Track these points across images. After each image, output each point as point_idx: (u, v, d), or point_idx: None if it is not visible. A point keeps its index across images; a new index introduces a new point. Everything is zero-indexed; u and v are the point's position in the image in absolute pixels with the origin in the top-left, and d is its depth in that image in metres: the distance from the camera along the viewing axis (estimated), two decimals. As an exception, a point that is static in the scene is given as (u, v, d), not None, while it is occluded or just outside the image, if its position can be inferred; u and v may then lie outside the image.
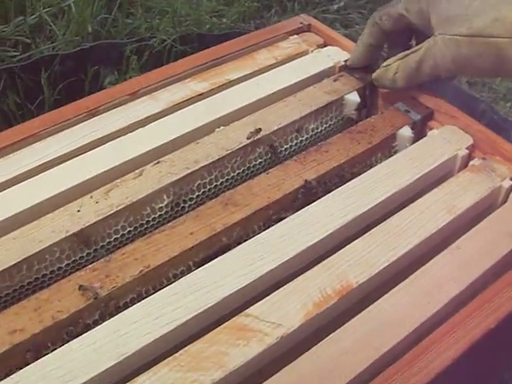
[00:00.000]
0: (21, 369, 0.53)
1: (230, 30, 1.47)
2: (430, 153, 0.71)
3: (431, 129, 0.75)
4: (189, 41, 1.36)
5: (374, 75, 0.78)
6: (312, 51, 0.84)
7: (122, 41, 1.42)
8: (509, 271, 0.61)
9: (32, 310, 0.57)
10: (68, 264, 0.64)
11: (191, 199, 0.70)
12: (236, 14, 1.56)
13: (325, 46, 0.85)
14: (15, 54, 1.39)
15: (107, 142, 0.72)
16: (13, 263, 0.61)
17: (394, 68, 0.75)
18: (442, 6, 0.70)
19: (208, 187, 0.71)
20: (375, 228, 0.64)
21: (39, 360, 0.54)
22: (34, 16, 1.42)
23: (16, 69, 1.28)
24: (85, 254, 0.65)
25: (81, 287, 0.58)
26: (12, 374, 0.53)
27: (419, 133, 0.75)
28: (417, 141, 0.74)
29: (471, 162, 0.71)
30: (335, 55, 0.83)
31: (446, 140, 0.72)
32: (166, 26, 1.48)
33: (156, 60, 1.34)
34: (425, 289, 0.59)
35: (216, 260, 0.61)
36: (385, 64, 0.76)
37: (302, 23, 0.87)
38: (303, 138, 0.76)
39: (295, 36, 0.86)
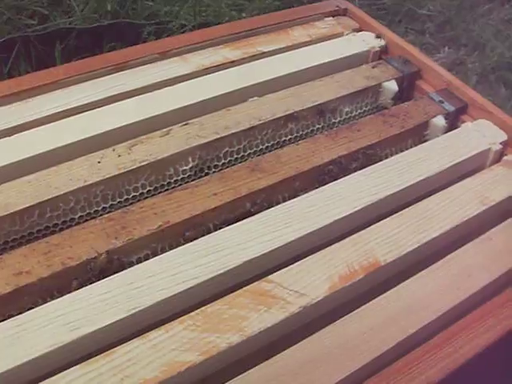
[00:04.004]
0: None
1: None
2: (463, 143, 0.68)
3: (464, 122, 0.73)
4: (208, 29, 1.34)
5: None
6: (347, 34, 0.82)
7: (141, 22, 1.40)
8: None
9: (41, 253, 0.54)
10: (81, 216, 0.61)
11: (216, 166, 0.67)
12: (256, 10, 1.54)
13: (360, 31, 0.83)
14: (32, 23, 1.37)
15: (132, 96, 0.69)
16: (24, 207, 0.57)
17: None
18: None
19: (235, 156, 0.67)
20: (405, 209, 0.61)
21: (45, 305, 0.50)
22: (53, -11, 1.40)
23: (31, 38, 1.26)
24: (100, 209, 0.62)
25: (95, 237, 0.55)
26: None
27: (451, 125, 0.73)
28: (448, 132, 0.71)
29: (505, 158, 0.69)
30: (370, 40, 0.81)
31: (480, 133, 0.70)
32: (186, 13, 1.46)
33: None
34: (454, 275, 0.56)
35: (240, 223, 0.58)
36: None
37: (338, 6, 0.85)
38: (336, 120, 0.74)
39: (331, 18, 0.84)
